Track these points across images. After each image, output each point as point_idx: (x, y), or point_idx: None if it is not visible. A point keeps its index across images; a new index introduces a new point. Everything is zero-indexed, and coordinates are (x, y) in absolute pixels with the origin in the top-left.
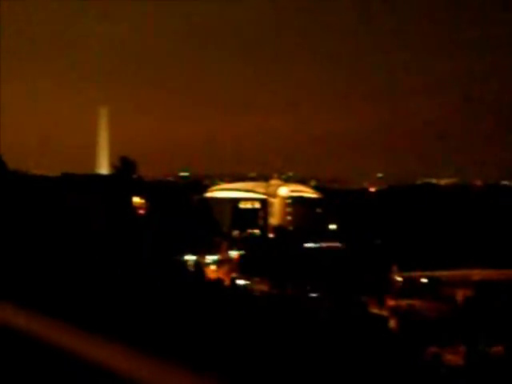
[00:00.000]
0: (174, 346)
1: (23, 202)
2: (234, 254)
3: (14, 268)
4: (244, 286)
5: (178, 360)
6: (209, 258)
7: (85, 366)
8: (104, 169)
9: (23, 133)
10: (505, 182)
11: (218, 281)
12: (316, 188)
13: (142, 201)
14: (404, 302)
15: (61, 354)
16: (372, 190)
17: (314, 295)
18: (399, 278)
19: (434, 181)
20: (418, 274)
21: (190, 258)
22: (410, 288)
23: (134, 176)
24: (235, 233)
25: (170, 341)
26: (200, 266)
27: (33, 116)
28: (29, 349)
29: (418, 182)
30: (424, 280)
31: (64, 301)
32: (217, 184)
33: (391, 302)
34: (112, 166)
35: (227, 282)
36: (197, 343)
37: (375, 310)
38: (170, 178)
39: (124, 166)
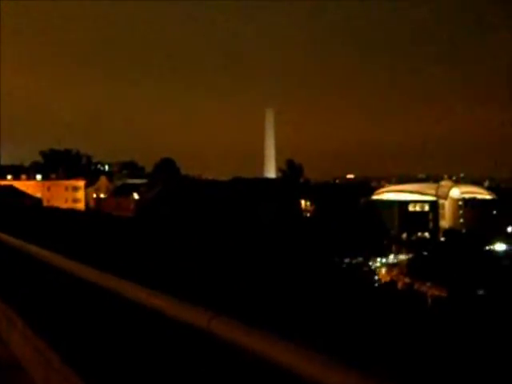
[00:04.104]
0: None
1: (196, 203)
2: (403, 257)
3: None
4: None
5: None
6: (378, 261)
7: None
8: (272, 172)
9: (194, 139)
10: None
11: (391, 283)
12: (490, 189)
13: (309, 203)
14: None
15: None
16: None
17: (494, 299)
18: None
19: None
20: None
21: (360, 260)
22: None
23: (301, 179)
24: (404, 236)
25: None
26: (370, 268)
27: (203, 122)
28: None
29: None
30: None
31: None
32: (384, 186)
33: None
34: (279, 169)
35: (399, 285)
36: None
37: None
38: (337, 181)
39: (291, 170)
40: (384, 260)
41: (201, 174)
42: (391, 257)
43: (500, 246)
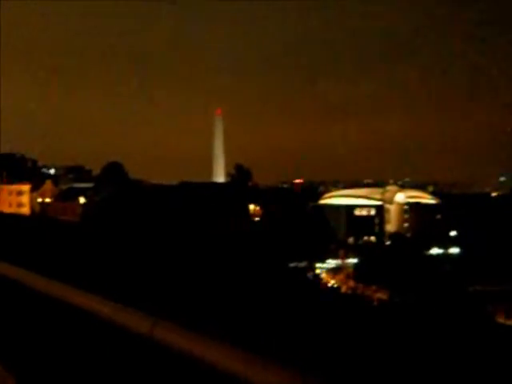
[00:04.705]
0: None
1: (143, 210)
2: (350, 261)
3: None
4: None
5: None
6: (325, 265)
7: None
8: (220, 177)
9: (143, 143)
10: None
11: (335, 287)
12: (434, 193)
13: (258, 208)
14: None
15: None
16: (494, 194)
17: (433, 303)
18: None
19: None
20: None
21: (306, 264)
22: None
23: (250, 183)
24: (350, 240)
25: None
26: (316, 272)
27: (151, 126)
28: None
29: None
30: None
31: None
32: (331, 191)
33: None
34: (228, 173)
35: (344, 289)
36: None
37: (502, 320)
38: (286, 185)
39: (239, 174)
40: (330, 264)
41: (148, 178)
42: (338, 261)
43: (439, 250)
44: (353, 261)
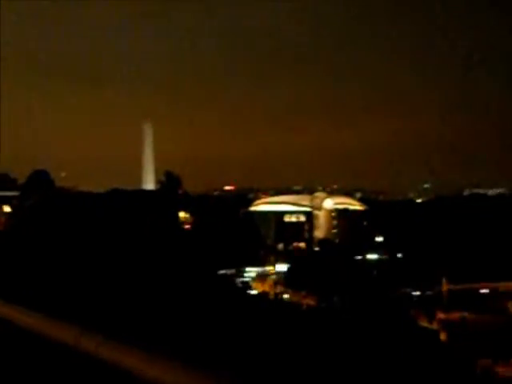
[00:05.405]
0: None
1: (70, 218)
2: (279, 267)
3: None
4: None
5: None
6: (254, 272)
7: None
8: (150, 184)
9: (70, 150)
10: None
11: (264, 294)
12: (361, 200)
13: (188, 215)
14: (455, 315)
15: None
16: (418, 200)
17: (360, 308)
18: (449, 290)
19: (481, 191)
20: (468, 286)
21: (235, 271)
22: (461, 300)
23: (180, 191)
24: (280, 246)
25: (216, 354)
26: (245, 279)
27: (79, 133)
28: None
29: (466, 192)
30: (477, 292)
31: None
32: (262, 197)
33: (441, 315)
34: (158, 181)
35: (272, 296)
36: (242, 357)
37: (425, 324)
38: (216, 193)
39: (169, 181)
40: (259, 270)
41: (75, 185)
42: (267, 267)
43: (365, 256)
44: (282, 267)
